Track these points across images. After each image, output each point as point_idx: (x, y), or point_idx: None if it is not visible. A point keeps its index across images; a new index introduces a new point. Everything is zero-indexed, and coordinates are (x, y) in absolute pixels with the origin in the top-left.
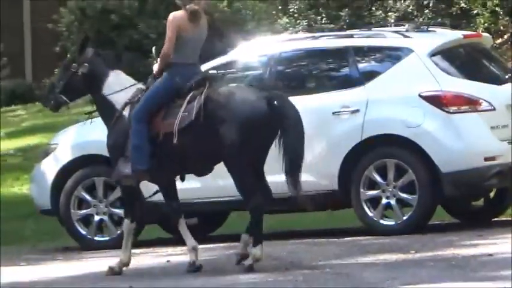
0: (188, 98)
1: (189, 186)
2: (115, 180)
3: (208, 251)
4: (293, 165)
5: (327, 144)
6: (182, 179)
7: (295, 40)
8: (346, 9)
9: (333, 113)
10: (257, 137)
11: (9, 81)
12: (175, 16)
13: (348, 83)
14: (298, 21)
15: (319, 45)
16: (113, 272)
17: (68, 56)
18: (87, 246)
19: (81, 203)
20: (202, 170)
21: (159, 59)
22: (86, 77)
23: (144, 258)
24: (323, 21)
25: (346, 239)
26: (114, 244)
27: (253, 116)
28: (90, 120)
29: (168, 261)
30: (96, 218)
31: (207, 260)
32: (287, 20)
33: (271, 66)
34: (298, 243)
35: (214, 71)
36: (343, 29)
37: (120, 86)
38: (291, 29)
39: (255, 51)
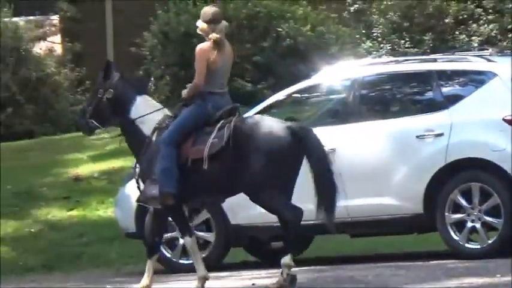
0: (219, 125)
1: None
2: (141, 202)
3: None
4: (323, 193)
5: (411, 167)
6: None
7: (378, 64)
8: (430, 34)
9: (417, 137)
10: (282, 166)
11: None
12: (203, 48)
13: (432, 106)
14: (381, 45)
15: (402, 69)
16: None
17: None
18: (172, 269)
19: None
20: (218, 199)
21: (188, 88)
22: (111, 102)
23: (228, 281)
24: (406, 45)
25: (431, 262)
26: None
27: (278, 146)
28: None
29: (253, 284)
30: (181, 241)
31: None
32: (370, 44)
33: (355, 90)
34: (384, 267)
35: (298, 95)
36: (427, 53)
37: (148, 111)
38: (374, 53)
39: (338, 75)
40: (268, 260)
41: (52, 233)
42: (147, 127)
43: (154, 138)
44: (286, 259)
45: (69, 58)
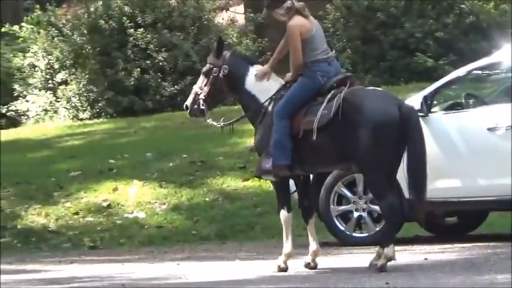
0: (329, 96)
1: (449, 186)
2: (256, 175)
3: (467, 250)
4: (417, 176)
5: None
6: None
7: None
8: None
9: None
10: (389, 141)
11: None
12: (292, 24)
13: None
14: None
15: None
16: (280, 269)
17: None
18: (345, 241)
19: (341, 199)
20: (324, 169)
21: (292, 72)
22: (227, 78)
23: (401, 256)
24: None
25: None
26: (372, 241)
27: (385, 121)
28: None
29: (425, 259)
30: (356, 214)
31: (466, 259)
32: None
33: None
34: None
35: (479, 72)
36: None
37: (262, 80)
38: None
39: None
40: (442, 235)
41: (226, 202)
42: (263, 97)
43: (270, 108)
44: (387, 250)
45: (251, 29)
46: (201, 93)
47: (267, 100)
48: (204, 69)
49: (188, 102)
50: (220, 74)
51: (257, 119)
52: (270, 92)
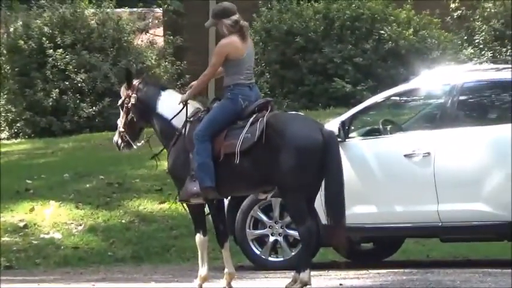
0: (251, 119)
1: (366, 211)
2: (183, 199)
3: (382, 277)
4: (336, 201)
5: (506, 175)
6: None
7: (478, 71)
8: None
9: None
10: (311, 165)
11: None
12: (223, 44)
13: None
14: (483, 52)
15: (503, 77)
16: None
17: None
18: (260, 266)
19: (257, 223)
20: (241, 194)
21: (197, 82)
22: (137, 106)
23: (317, 281)
24: (508, 53)
25: None
26: (288, 265)
27: (309, 145)
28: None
29: (340, 284)
30: (271, 238)
31: (381, 286)
32: (472, 51)
33: (453, 95)
34: (473, 273)
35: (397, 98)
36: None
37: (174, 104)
38: (475, 59)
39: (437, 80)
40: (357, 261)
41: (142, 224)
42: (176, 120)
43: (184, 131)
44: (303, 274)
45: (170, 51)
46: (120, 126)
47: (182, 123)
48: (119, 102)
49: (115, 139)
50: (130, 104)
51: (170, 142)
52: (183, 115)
